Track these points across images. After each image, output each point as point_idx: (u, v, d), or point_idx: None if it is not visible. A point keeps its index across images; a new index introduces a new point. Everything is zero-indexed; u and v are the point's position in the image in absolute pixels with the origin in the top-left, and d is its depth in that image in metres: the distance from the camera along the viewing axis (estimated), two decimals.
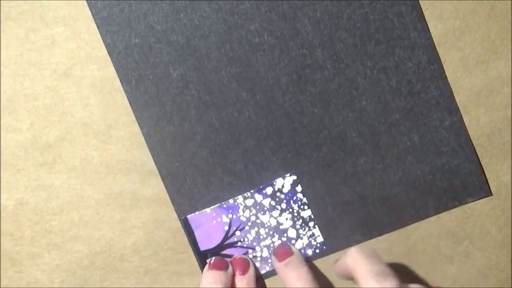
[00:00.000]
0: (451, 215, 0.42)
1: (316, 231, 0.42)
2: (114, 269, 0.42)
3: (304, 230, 0.42)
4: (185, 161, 0.41)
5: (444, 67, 0.41)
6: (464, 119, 0.41)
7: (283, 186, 0.42)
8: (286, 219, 0.42)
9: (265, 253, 0.42)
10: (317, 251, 0.42)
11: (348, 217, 0.42)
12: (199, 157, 0.41)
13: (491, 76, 0.41)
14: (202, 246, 0.42)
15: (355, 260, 0.37)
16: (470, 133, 0.41)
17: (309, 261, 0.42)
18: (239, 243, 0.42)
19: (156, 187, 0.41)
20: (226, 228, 0.42)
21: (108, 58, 0.40)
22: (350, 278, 0.38)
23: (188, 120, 0.41)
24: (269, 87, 0.41)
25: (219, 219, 0.41)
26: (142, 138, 0.41)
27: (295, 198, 0.42)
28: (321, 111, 0.41)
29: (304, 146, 0.41)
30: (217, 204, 0.41)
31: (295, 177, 0.41)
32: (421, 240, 0.42)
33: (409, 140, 0.41)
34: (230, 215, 0.41)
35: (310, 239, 0.42)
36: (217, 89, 0.40)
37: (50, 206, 0.41)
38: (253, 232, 0.42)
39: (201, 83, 0.40)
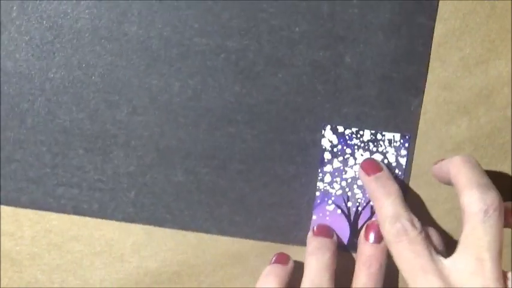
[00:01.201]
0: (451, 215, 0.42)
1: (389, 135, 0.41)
2: (114, 269, 0.42)
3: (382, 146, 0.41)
4: None
5: (444, 67, 0.41)
6: (464, 119, 0.41)
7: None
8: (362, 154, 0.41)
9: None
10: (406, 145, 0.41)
11: None
12: None
13: (491, 76, 0.41)
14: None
15: (458, 167, 0.36)
16: (471, 133, 0.41)
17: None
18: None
19: None
20: None
21: None
22: (447, 183, 0.37)
23: None
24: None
25: None
26: None
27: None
28: None
29: None
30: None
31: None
32: None
33: None
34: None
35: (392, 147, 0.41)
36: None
37: None
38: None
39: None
